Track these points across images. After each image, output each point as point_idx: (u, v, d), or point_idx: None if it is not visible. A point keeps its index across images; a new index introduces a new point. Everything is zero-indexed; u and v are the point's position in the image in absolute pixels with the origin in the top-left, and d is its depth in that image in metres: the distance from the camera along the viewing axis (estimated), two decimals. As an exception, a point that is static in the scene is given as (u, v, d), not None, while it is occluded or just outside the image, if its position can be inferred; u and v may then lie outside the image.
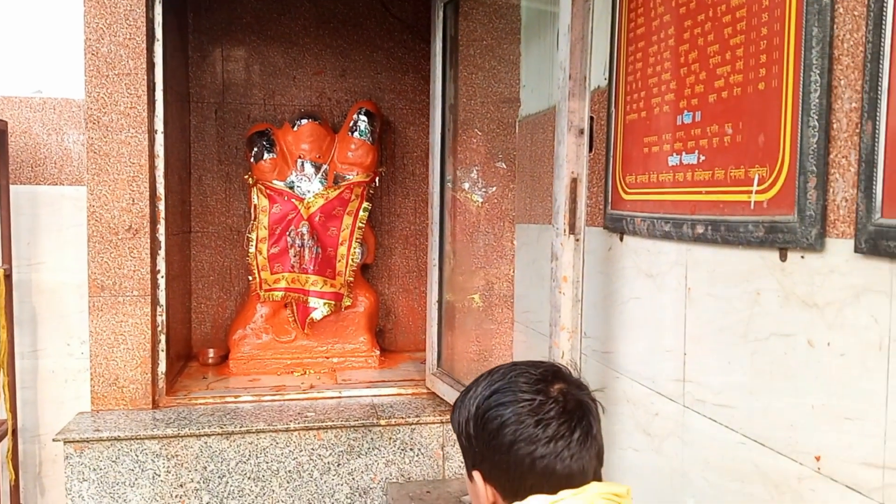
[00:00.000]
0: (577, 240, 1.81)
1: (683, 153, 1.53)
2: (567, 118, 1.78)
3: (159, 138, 2.47)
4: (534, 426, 1.01)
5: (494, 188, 2.88)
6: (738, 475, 1.35)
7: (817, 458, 1.14)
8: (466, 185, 2.90)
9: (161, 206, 2.49)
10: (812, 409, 1.16)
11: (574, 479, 1.01)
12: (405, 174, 3.39)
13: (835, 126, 1.11)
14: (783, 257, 1.23)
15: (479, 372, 2.45)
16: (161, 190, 2.48)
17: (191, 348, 3.20)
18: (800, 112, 1.16)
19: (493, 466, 1.04)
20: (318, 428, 2.41)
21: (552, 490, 1.00)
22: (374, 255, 3.24)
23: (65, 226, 3.08)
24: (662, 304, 1.64)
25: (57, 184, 3.10)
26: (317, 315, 2.98)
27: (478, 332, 2.79)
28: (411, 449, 2.48)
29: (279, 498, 2.39)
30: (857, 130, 1.05)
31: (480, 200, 2.91)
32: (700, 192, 1.47)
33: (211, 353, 3.08)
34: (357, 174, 3.03)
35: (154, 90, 2.45)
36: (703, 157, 1.46)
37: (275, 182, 2.98)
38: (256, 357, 3.00)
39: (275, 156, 2.98)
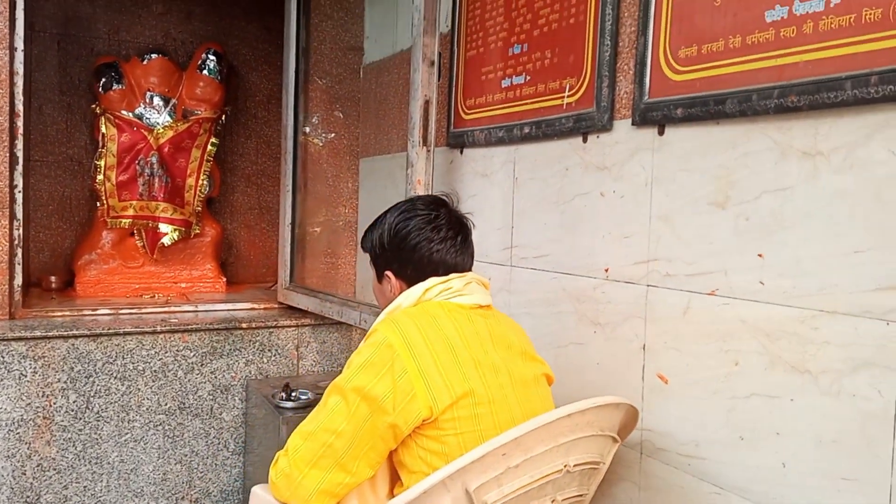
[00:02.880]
0: (429, 150, 2.27)
1: (514, 76, 2.04)
2: (421, 51, 2.23)
3: (19, 56, 2.53)
4: (430, 231, 1.44)
5: (333, 134, 3.24)
6: (552, 301, 1.88)
7: (606, 270, 1.70)
8: (306, 129, 3.24)
9: (19, 122, 2.55)
10: (603, 238, 1.71)
11: (458, 268, 1.47)
12: (248, 117, 3.63)
13: (620, 44, 1.66)
14: (585, 140, 1.77)
15: (330, 284, 3.07)
16: (19, 106, 2.54)
17: (30, 276, 3.20)
18: (598, 36, 1.70)
19: (402, 263, 1.47)
20: (184, 331, 2.63)
21: (444, 275, 1.44)
22: (219, 189, 3.45)
23: None
24: (494, 195, 2.14)
25: None
26: (167, 241, 3.15)
27: (325, 253, 3.15)
28: (269, 350, 2.79)
29: (145, 395, 2.58)
30: (635, 45, 1.60)
31: (321, 143, 3.26)
32: (526, 104, 1.98)
33: (53, 279, 3.12)
34: (205, 110, 3.24)
35: (15, 9, 2.51)
36: (528, 77, 1.97)
37: (123, 112, 3.09)
38: (104, 281, 3.10)
39: (123, 87, 3.10)
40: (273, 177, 3.68)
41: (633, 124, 1.61)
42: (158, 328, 2.59)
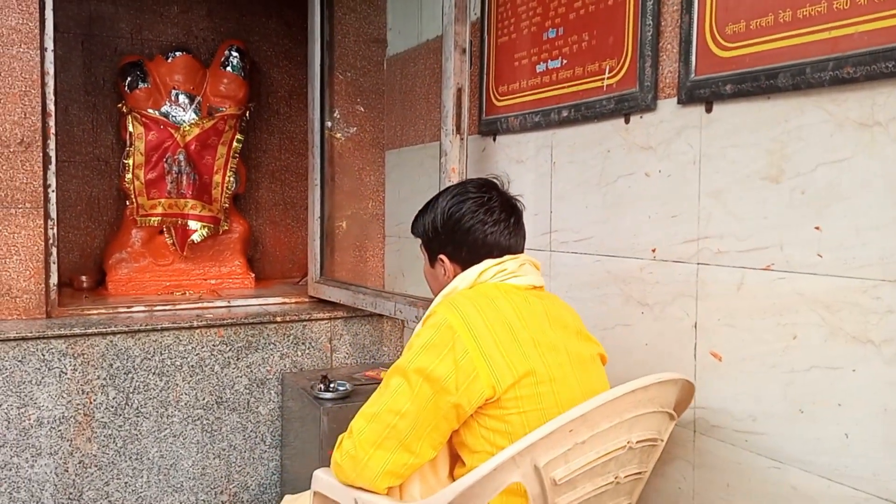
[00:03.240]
0: (462, 139, 2.27)
1: (549, 61, 2.04)
2: (453, 39, 2.23)
3: (49, 56, 2.54)
4: (484, 213, 1.45)
5: (355, 128, 3.25)
6: (596, 284, 1.88)
7: (653, 251, 1.70)
8: (329, 125, 3.24)
9: (51, 121, 2.56)
10: (649, 218, 1.71)
11: (512, 250, 1.47)
12: (270, 113, 3.64)
13: (662, 23, 1.66)
14: (627, 121, 1.77)
15: (359, 276, 3.06)
16: (51, 106, 2.56)
17: (61, 275, 3.22)
18: (639, 16, 1.70)
19: (456, 246, 1.47)
20: (219, 326, 2.65)
21: (498, 257, 1.45)
22: (244, 185, 3.46)
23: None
24: (530, 180, 2.15)
25: None
26: (196, 237, 3.16)
27: (353, 246, 3.16)
28: (303, 343, 2.80)
29: (183, 391, 2.60)
30: (678, 23, 1.60)
31: (343, 138, 3.27)
32: (563, 87, 1.98)
33: (84, 278, 3.14)
34: (229, 107, 3.25)
35: (45, 9, 2.52)
36: (565, 61, 1.98)
37: (149, 111, 3.11)
38: (135, 279, 3.13)
39: (149, 86, 3.11)
40: (296, 172, 3.69)
41: (678, 103, 1.61)
42: (194, 323, 2.60)
